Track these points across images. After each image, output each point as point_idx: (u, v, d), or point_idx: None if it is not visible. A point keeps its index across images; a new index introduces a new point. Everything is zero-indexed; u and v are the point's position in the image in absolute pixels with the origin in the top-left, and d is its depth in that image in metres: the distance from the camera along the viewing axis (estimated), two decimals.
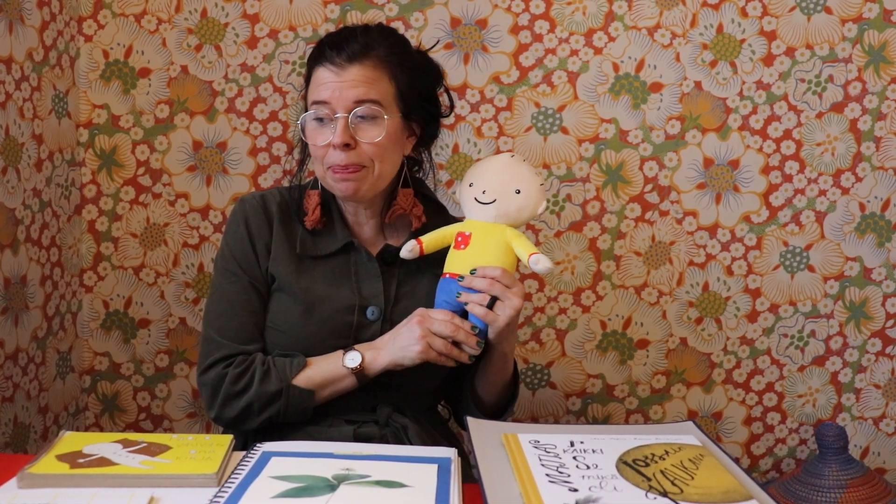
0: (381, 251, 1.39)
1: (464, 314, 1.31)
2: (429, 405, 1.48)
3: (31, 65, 1.73)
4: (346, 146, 1.30)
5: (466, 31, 1.95)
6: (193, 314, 1.99)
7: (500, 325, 1.28)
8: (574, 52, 1.96)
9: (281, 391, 1.30)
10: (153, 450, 1.05)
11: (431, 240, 1.36)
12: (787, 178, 2.00)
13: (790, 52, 1.96)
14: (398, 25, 1.91)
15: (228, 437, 1.10)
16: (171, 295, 1.99)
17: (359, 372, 1.30)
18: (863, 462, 2.00)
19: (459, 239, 1.33)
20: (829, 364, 2.06)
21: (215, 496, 0.93)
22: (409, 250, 1.35)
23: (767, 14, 1.95)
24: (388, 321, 1.36)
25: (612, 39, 1.96)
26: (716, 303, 2.03)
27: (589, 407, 2.06)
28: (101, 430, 2.02)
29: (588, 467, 0.94)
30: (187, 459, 1.02)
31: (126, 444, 1.06)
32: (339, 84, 1.30)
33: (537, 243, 1.99)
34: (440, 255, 1.35)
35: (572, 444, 1.01)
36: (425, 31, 1.93)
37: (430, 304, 1.34)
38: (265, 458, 1.03)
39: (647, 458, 0.97)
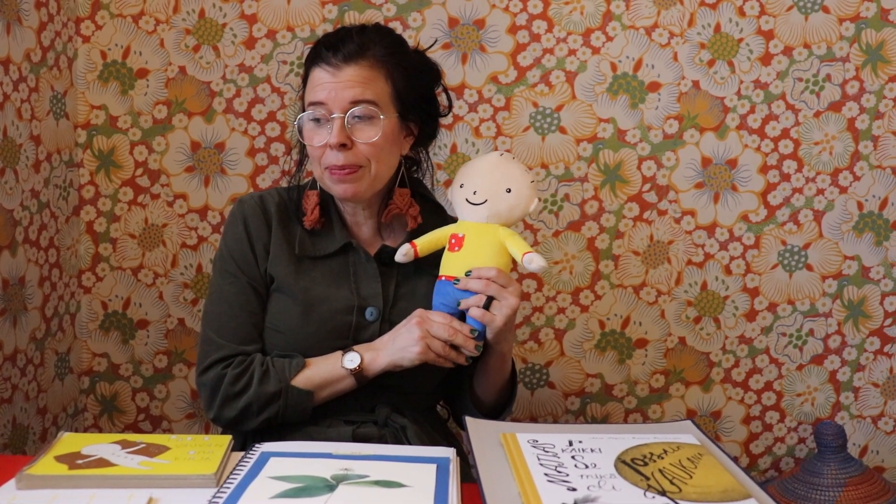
0: (379, 252, 1.39)
1: (462, 316, 1.31)
2: (427, 405, 1.48)
3: (28, 66, 1.73)
4: (343, 146, 1.30)
5: (464, 31, 1.95)
6: (192, 315, 1.99)
7: (497, 325, 1.28)
8: (572, 52, 1.96)
9: (280, 392, 1.30)
10: (152, 450, 1.05)
11: (426, 242, 1.36)
12: (786, 178, 2.00)
13: (788, 51, 1.97)
14: (396, 26, 1.91)
15: (227, 438, 1.10)
16: (170, 296, 1.99)
17: (358, 373, 1.30)
18: (861, 460, 2.00)
19: (453, 241, 1.33)
20: (828, 363, 2.06)
21: (214, 497, 0.93)
22: (403, 254, 1.35)
23: (765, 13, 1.95)
24: (387, 322, 1.37)
25: (609, 39, 1.96)
26: (714, 302, 2.03)
27: (588, 406, 2.06)
28: (100, 430, 2.02)
29: (586, 466, 0.94)
30: (186, 460, 1.02)
31: (125, 444, 1.06)
32: (335, 84, 1.30)
33: (535, 243, 1.99)
34: (439, 256, 1.35)
35: (571, 443, 1.01)
36: (423, 32, 1.93)
37: (428, 304, 1.34)
38: (264, 459, 1.03)
39: (645, 457, 0.97)
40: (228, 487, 0.95)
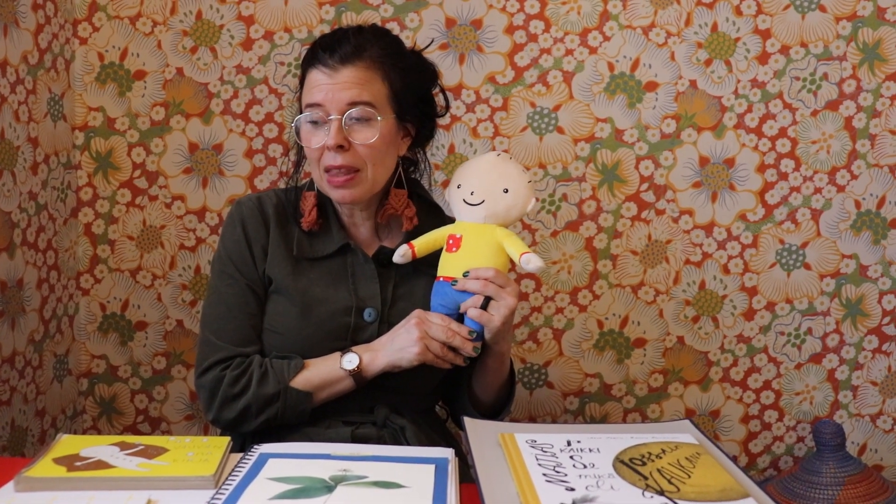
0: (377, 252, 1.39)
1: (460, 317, 1.31)
2: (426, 406, 1.48)
3: (25, 68, 1.73)
4: (340, 148, 1.30)
5: (461, 32, 1.95)
6: (191, 316, 1.99)
7: (495, 325, 1.28)
8: (569, 52, 1.96)
9: (279, 393, 1.30)
10: (150, 452, 1.05)
11: (423, 243, 1.36)
12: (783, 176, 2.00)
13: (785, 50, 1.97)
14: (393, 26, 1.91)
15: (226, 439, 1.10)
16: (168, 297, 1.99)
17: (356, 374, 1.30)
18: (860, 459, 2.00)
19: (451, 242, 1.33)
20: (826, 361, 2.07)
21: (212, 498, 0.93)
22: (401, 255, 1.35)
23: (762, 12, 1.96)
24: (385, 323, 1.37)
25: (607, 39, 1.96)
26: (712, 301, 2.03)
27: (586, 406, 2.06)
28: (99, 432, 2.02)
29: (585, 466, 0.94)
30: (184, 461, 1.02)
31: (123, 446, 1.06)
32: (331, 86, 1.30)
33: (534, 243, 1.99)
34: (437, 256, 1.35)
35: (569, 443, 1.01)
36: (420, 32, 1.93)
37: (426, 305, 1.34)
38: (262, 460, 1.03)
39: (643, 456, 0.97)
40: (227, 489, 0.95)
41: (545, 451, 0.98)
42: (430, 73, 1.42)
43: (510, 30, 1.95)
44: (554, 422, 2.06)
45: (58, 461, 1.01)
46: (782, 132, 1.99)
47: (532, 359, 2.04)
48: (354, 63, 1.30)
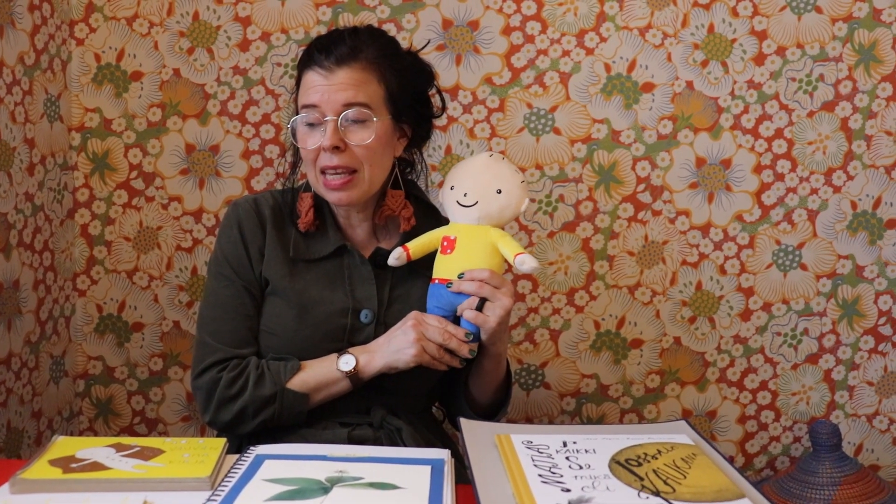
0: (373, 254, 1.39)
1: (456, 318, 1.32)
2: (423, 407, 1.48)
3: (22, 69, 1.73)
4: (336, 149, 1.30)
5: (458, 33, 1.95)
6: (187, 318, 1.99)
7: (491, 326, 1.28)
8: (566, 53, 1.96)
9: (275, 395, 1.30)
10: (146, 454, 1.05)
11: (418, 245, 1.36)
12: (779, 177, 2.01)
13: (781, 51, 1.97)
14: (390, 27, 1.91)
15: (222, 441, 1.10)
16: (165, 298, 1.99)
17: (353, 375, 1.30)
18: (856, 459, 2.01)
19: (445, 243, 1.33)
20: (823, 362, 2.07)
21: (208, 499, 0.93)
22: (396, 258, 1.35)
23: (758, 14, 1.96)
24: (382, 324, 1.37)
25: (603, 40, 1.96)
26: (709, 302, 2.03)
27: (583, 407, 2.06)
28: (96, 434, 2.02)
29: (581, 467, 0.94)
30: (180, 463, 1.02)
31: (119, 448, 1.06)
32: (327, 87, 1.30)
33: (530, 244, 1.99)
34: (433, 257, 1.35)
35: (565, 444, 1.01)
36: (417, 33, 1.93)
37: (423, 306, 1.34)
38: (258, 461, 1.03)
39: (639, 457, 0.97)
40: (223, 490, 0.95)
41: (541, 452, 0.98)
42: (426, 74, 1.42)
43: (507, 31, 1.95)
44: (551, 422, 2.06)
45: (53, 463, 1.01)
46: (778, 133, 1.99)
47: (529, 359, 2.04)
48: (350, 64, 1.30)
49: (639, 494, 0.88)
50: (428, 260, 1.36)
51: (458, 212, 1.33)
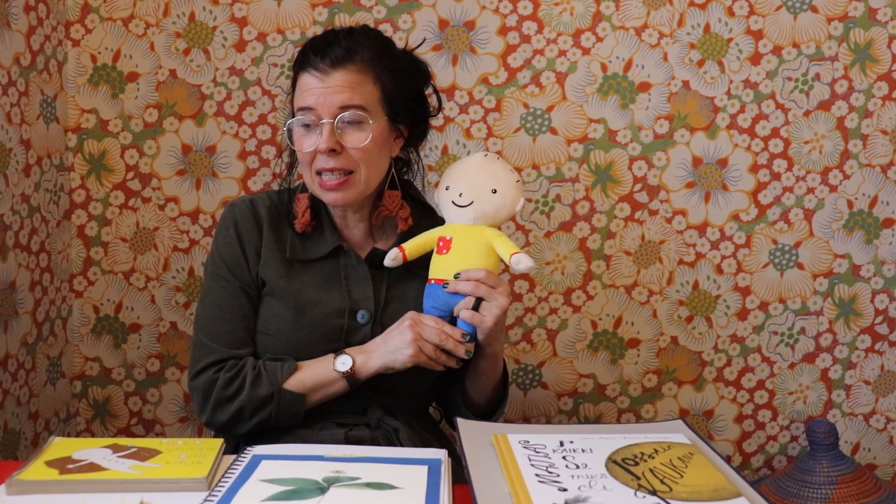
0: (370, 254, 1.39)
1: (452, 318, 1.32)
2: (420, 407, 1.48)
3: (18, 70, 1.73)
4: (333, 151, 1.30)
5: (454, 33, 1.95)
6: (184, 318, 1.99)
7: (487, 326, 1.28)
8: (562, 53, 1.96)
9: (272, 395, 1.30)
10: (143, 454, 1.04)
11: (414, 246, 1.36)
12: (776, 177, 2.01)
13: (777, 50, 1.97)
14: (386, 28, 1.91)
15: (218, 441, 1.09)
16: (162, 299, 1.99)
17: (350, 375, 1.30)
18: (853, 458, 2.01)
19: (441, 244, 1.33)
20: (820, 361, 2.07)
21: (205, 500, 0.93)
22: (392, 258, 1.35)
23: (754, 13, 1.96)
24: (379, 324, 1.37)
25: (599, 40, 1.96)
26: (706, 301, 2.04)
27: (581, 406, 2.06)
28: (93, 435, 2.02)
29: (577, 467, 0.94)
30: (177, 464, 1.02)
31: (116, 448, 1.06)
32: (323, 90, 1.30)
33: (527, 244, 2.00)
34: (429, 258, 1.35)
35: (562, 443, 1.01)
36: (413, 33, 1.93)
37: (419, 307, 1.35)
38: (255, 462, 1.03)
39: (636, 456, 0.97)
40: (220, 491, 0.95)
41: (538, 452, 0.99)
42: (422, 74, 1.42)
43: (503, 31, 1.95)
44: (548, 422, 2.06)
45: (50, 464, 1.01)
46: (775, 132, 2.00)
47: (526, 359, 2.04)
48: (345, 66, 1.30)
49: (635, 494, 0.88)
50: (424, 260, 1.36)
51: (454, 212, 1.33)
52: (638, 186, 2.00)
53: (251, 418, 1.31)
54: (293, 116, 1.35)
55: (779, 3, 1.96)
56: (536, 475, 0.92)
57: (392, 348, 1.30)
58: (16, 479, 0.96)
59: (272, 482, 0.96)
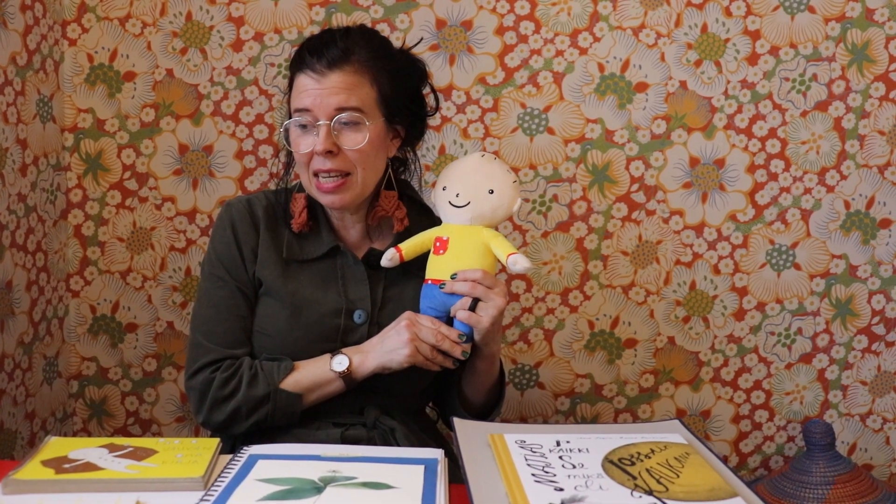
0: (367, 255, 1.39)
1: (449, 319, 1.32)
2: (417, 407, 1.48)
3: (14, 69, 1.73)
4: (329, 153, 1.30)
5: (452, 33, 1.95)
6: (181, 318, 1.99)
7: (484, 326, 1.28)
8: (559, 53, 1.96)
9: (268, 395, 1.30)
10: (139, 454, 1.04)
11: (411, 246, 1.36)
12: (773, 177, 2.01)
13: (774, 51, 1.97)
14: (383, 27, 1.91)
15: (215, 441, 1.09)
16: (159, 299, 1.99)
17: (346, 375, 1.30)
18: (850, 458, 2.01)
19: (438, 244, 1.33)
20: (816, 361, 2.07)
21: (201, 500, 0.93)
22: (389, 259, 1.35)
23: (751, 13, 1.96)
24: (375, 325, 1.37)
25: (597, 40, 1.96)
26: (703, 301, 2.04)
27: (578, 407, 2.06)
28: (90, 435, 2.01)
29: (574, 466, 0.94)
30: (173, 463, 1.02)
31: (112, 448, 1.06)
32: (319, 91, 1.30)
33: (524, 244, 2.00)
34: (426, 258, 1.35)
35: (558, 443, 1.01)
36: (410, 33, 1.93)
37: (416, 307, 1.34)
38: (252, 461, 1.03)
39: (632, 456, 0.97)
40: (216, 490, 0.95)
41: (534, 452, 0.98)
42: (419, 74, 1.42)
43: (500, 31, 1.95)
44: (545, 422, 2.06)
45: (46, 463, 1.01)
46: (772, 133, 2.00)
47: (523, 359, 2.04)
48: (342, 67, 1.30)
49: (632, 493, 0.88)
50: (421, 260, 1.36)
51: (451, 212, 1.33)
52: (635, 186, 2.00)
53: (248, 418, 1.31)
54: (290, 117, 1.35)
55: (776, 4, 1.96)
56: (533, 475, 0.92)
57: (389, 348, 1.30)
58: (12, 479, 0.96)
59: (268, 482, 0.96)
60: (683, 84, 1.98)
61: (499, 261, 1.32)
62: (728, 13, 1.96)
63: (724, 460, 0.99)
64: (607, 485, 0.90)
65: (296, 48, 1.40)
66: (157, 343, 2.00)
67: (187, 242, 1.98)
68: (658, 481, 0.90)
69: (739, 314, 2.05)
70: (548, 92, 1.97)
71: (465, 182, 1.33)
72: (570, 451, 0.99)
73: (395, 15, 1.93)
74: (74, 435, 2.01)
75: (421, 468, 1.02)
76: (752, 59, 1.97)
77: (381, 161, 1.37)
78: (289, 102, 1.38)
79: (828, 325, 2.06)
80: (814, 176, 2.01)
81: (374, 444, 1.31)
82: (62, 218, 1.95)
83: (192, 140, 1.95)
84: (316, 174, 1.33)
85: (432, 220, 1.44)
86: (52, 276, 1.91)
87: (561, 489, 0.89)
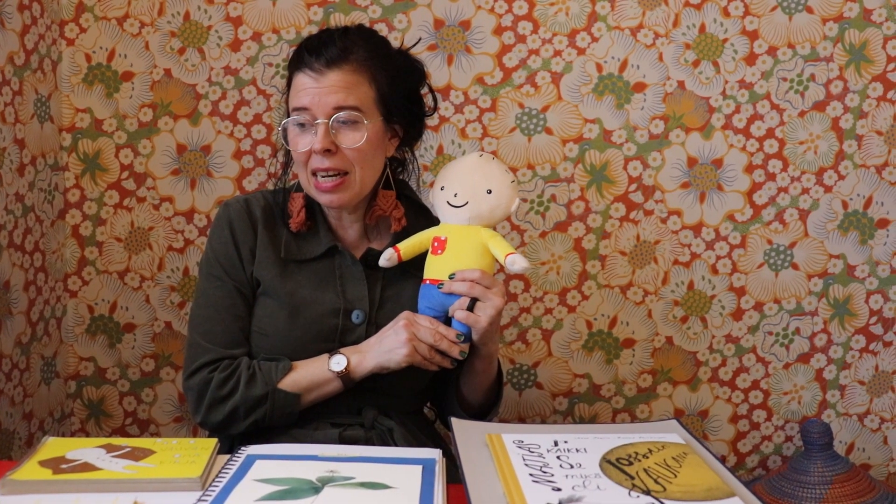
0: (365, 254, 1.39)
1: (447, 319, 1.32)
2: (415, 407, 1.48)
3: (12, 69, 1.73)
4: (328, 151, 1.30)
5: (450, 33, 1.95)
6: (179, 318, 1.99)
7: (482, 326, 1.28)
8: (557, 53, 1.96)
9: (266, 395, 1.30)
10: (137, 454, 1.04)
11: (409, 246, 1.36)
12: (771, 177, 2.01)
13: (772, 51, 1.98)
14: (381, 27, 1.91)
15: (213, 441, 1.09)
16: (157, 299, 1.99)
17: (344, 375, 1.30)
18: (848, 458, 2.01)
19: (436, 244, 1.33)
20: (814, 361, 2.07)
21: (199, 500, 0.93)
22: (387, 259, 1.35)
23: (749, 14, 1.96)
24: (373, 325, 1.37)
25: (595, 40, 1.96)
26: (701, 301, 2.04)
27: (576, 407, 2.06)
28: (87, 435, 2.01)
29: (571, 466, 0.94)
30: (171, 463, 1.02)
31: (110, 448, 1.06)
32: (318, 90, 1.30)
33: (522, 244, 2.00)
34: (424, 258, 1.35)
35: (556, 443, 1.01)
36: (409, 33, 1.93)
37: (414, 307, 1.34)
38: (249, 462, 1.03)
39: (630, 456, 0.97)
40: (214, 490, 0.95)
41: (532, 452, 0.99)
42: (417, 73, 1.42)
43: (498, 31, 1.95)
44: (543, 422, 2.06)
45: (43, 464, 1.01)
46: (770, 133, 2.00)
47: (521, 359, 2.04)
48: (341, 66, 1.30)
49: (629, 493, 0.88)
50: (419, 260, 1.36)
51: (449, 212, 1.33)
52: (633, 187, 2.00)
53: (245, 418, 1.31)
54: (288, 116, 1.35)
55: (774, 4, 1.96)
56: (531, 475, 0.92)
57: (387, 348, 1.30)
58: (9, 479, 0.96)
59: (266, 482, 0.96)
60: (681, 84, 1.98)
61: (497, 261, 1.32)
62: (726, 13, 1.96)
63: (722, 460, 0.99)
64: (605, 485, 0.90)
65: (294, 48, 1.40)
66: (155, 343, 2.00)
67: (185, 242, 1.98)
68: (656, 481, 0.91)
69: (737, 314, 2.05)
70: (546, 92, 1.97)
71: (463, 182, 1.33)
72: (568, 451, 0.99)
73: (393, 15, 1.93)
74: (72, 435, 2.01)
75: (419, 468, 1.02)
76: (750, 59, 1.97)
77: (379, 160, 1.37)
78: (287, 102, 1.38)
79: (826, 324, 2.06)
80: (811, 176, 2.02)
81: (372, 444, 1.31)
82: (60, 218, 1.95)
83: (190, 140, 1.95)
84: (314, 173, 1.33)
85: (430, 220, 1.44)
86: (50, 276, 1.90)
87: (559, 489, 0.89)
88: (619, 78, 1.97)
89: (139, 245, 1.97)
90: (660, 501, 0.86)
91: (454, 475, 1.05)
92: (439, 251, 1.32)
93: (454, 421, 1.08)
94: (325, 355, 1.33)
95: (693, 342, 2.05)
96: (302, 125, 1.33)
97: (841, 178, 2.02)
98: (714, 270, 2.03)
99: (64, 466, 1.00)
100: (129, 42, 1.92)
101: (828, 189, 2.02)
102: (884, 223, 2.04)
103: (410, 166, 1.50)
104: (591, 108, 1.97)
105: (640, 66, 1.97)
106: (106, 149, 1.95)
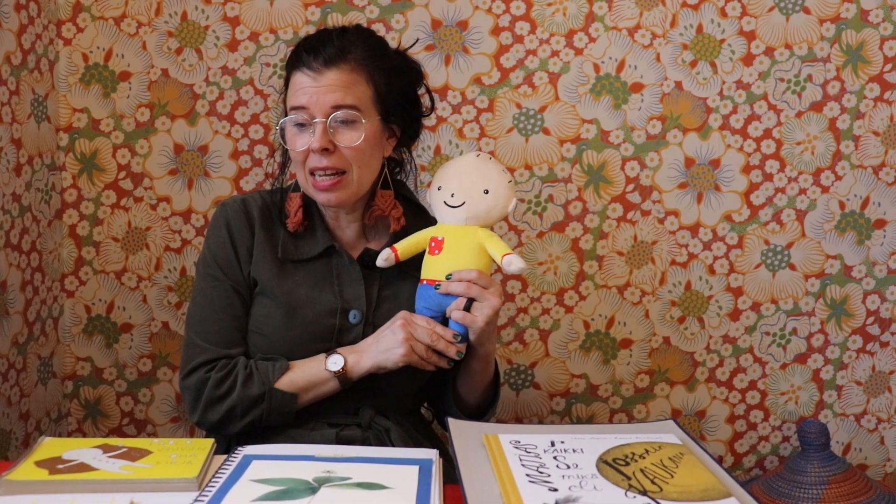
0: (362, 254, 1.39)
1: (444, 319, 1.32)
2: (411, 407, 1.48)
3: (9, 68, 1.72)
4: (325, 150, 1.30)
5: (447, 33, 1.95)
6: (176, 318, 1.99)
7: (479, 326, 1.28)
8: (555, 53, 1.96)
9: (263, 395, 1.30)
10: (133, 454, 1.04)
11: (406, 246, 1.36)
12: (768, 177, 2.01)
13: (769, 51, 1.98)
14: (379, 27, 1.91)
15: (210, 441, 1.09)
16: (154, 299, 1.99)
17: (341, 375, 1.30)
18: (844, 458, 2.02)
19: (433, 244, 1.33)
20: (811, 361, 2.08)
21: (196, 500, 0.93)
22: (384, 259, 1.35)
23: (746, 14, 1.97)
24: (371, 324, 1.37)
25: (592, 40, 1.96)
26: (698, 302, 2.04)
27: (573, 407, 2.06)
28: (84, 435, 2.01)
29: (568, 467, 0.95)
30: (168, 464, 1.02)
31: (106, 449, 1.06)
32: (316, 89, 1.30)
33: (520, 244, 2.00)
34: (421, 258, 1.35)
35: (553, 444, 1.01)
36: (406, 33, 1.93)
37: (411, 307, 1.35)
38: (246, 462, 1.03)
39: (627, 457, 0.97)
40: (210, 491, 0.95)
41: (529, 452, 0.99)
42: (415, 74, 1.43)
43: (496, 31, 1.95)
44: (540, 422, 2.06)
45: (39, 464, 1.00)
46: (767, 133, 2.00)
47: (518, 360, 2.04)
48: (338, 65, 1.30)
49: (626, 494, 0.88)
50: (416, 261, 1.36)
51: (446, 212, 1.33)
52: (630, 187, 2.00)
53: (242, 418, 1.31)
54: (286, 115, 1.35)
55: (771, 4, 1.96)
56: (527, 475, 0.92)
57: (384, 348, 1.30)
58: (5, 480, 0.96)
59: (263, 482, 0.96)
60: (679, 84, 1.98)
61: (494, 261, 1.32)
62: (723, 14, 1.96)
63: (719, 460, 0.99)
64: (601, 485, 0.90)
65: (291, 48, 1.40)
66: (151, 343, 2.00)
67: (182, 242, 1.97)
68: (652, 481, 0.91)
69: (734, 314, 2.05)
70: (543, 92, 1.97)
71: (460, 182, 1.33)
72: (565, 451, 0.99)
73: (390, 15, 1.93)
74: (69, 435, 2.01)
75: (415, 468, 1.02)
76: (748, 59, 1.98)
77: (376, 160, 1.37)
78: (285, 101, 1.38)
79: (823, 325, 2.07)
80: (809, 176, 2.02)
81: (369, 444, 1.31)
82: (57, 218, 1.94)
83: (188, 140, 1.95)
84: (312, 172, 1.33)
85: (427, 221, 1.44)
86: (47, 276, 1.90)
87: (555, 489, 0.89)
88: (617, 78, 1.97)
89: (136, 245, 1.97)
90: (656, 502, 0.86)
91: (451, 475, 1.05)
92: (436, 251, 1.32)
93: (451, 421, 1.08)
94: (322, 355, 1.33)
95: (690, 342, 2.05)
96: (300, 124, 1.33)
97: (838, 178, 2.02)
98: (711, 271, 2.03)
99: (60, 467, 1.00)
100: (127, 42, 1.92)
101: (825, 189, 2.02)
102: (881, 223, 2.05)
103: (408, 166, 1.50)
104: (588, 109, 1.98)
105: (638, 66, 1.97)
106: (103, 149, 1.95)
